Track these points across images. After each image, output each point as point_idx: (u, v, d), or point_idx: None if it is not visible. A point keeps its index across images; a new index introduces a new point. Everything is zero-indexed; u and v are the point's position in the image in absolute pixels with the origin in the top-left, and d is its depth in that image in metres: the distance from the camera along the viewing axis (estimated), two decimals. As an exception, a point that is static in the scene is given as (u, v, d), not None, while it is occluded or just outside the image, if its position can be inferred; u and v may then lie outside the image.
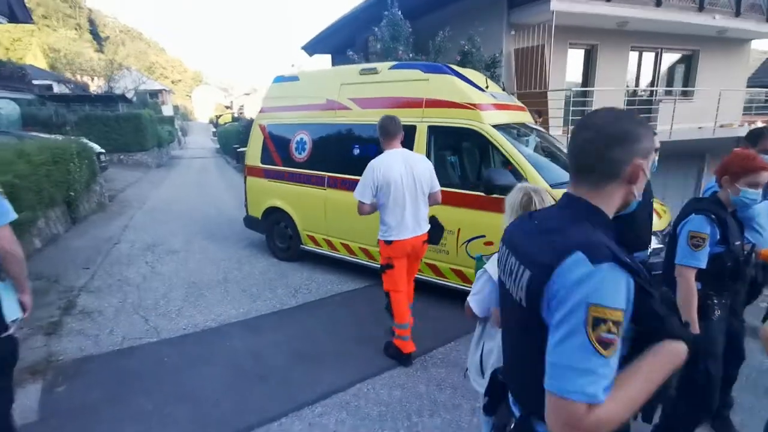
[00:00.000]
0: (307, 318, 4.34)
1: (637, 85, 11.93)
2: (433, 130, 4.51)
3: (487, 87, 4.69)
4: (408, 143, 4.54)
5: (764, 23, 10.97)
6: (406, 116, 4.57)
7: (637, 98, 11.67)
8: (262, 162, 6.01)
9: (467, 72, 4.91)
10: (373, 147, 4.37)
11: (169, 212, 9.49)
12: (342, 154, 5.08)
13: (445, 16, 9.71)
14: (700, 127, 11.46)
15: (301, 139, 5.55)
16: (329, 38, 15.91)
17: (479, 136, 4.24)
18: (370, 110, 4.87)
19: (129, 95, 23.02)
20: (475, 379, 2.01)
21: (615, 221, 1.10)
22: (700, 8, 10.05)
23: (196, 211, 9.63)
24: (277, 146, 5.86)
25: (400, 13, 7.89)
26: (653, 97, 11.94)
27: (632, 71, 11.81)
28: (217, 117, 51.56)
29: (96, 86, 24.46)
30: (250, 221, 6.42)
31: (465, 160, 4.74)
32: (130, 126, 16.93)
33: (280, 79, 6.00)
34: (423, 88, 4.58)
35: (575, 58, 10.86)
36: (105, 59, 25.05)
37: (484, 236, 4.14)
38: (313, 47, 17.74)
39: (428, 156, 4.48)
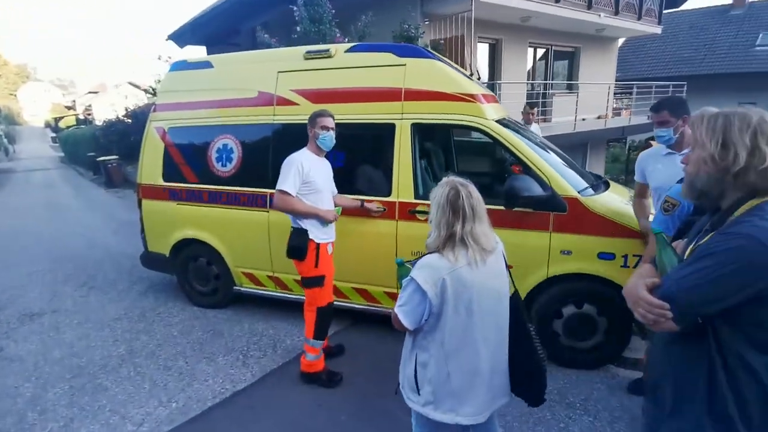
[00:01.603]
0: (281, 399, 3.07)
1: (533, 79, 12.41)
2: (418, 129, 3.55)
3: (471, 75, 3.89)
4: (386, 145, 3.58)
5: (636, 21, 12.20)
6: (379, 111, 3.62)
7: (535, 92, 12.15)
8: (166, 179, 4.40)
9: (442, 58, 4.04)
10: (335, 152, 3.30)
11: (10, 250, 6.93)
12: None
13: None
14: (584, 119, 12.38)
15: (225, 145, 4.13)
16: (204, 26, 13.76)
17: (483, 135, 3.41)
18: (326, 105, 3.71)
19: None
20: (409, 397, 1.83)
21: None
22: (589, 6, 10.68)
23: (56, 245, 7.20)
24: (188, 157, 4.32)
25: (320, -10, 6.71)
26: (547, 91, 12.60)
27: (529, 66, 12.24)
28: (57, 119, 43.86)
29: None
30: (151, 260, 4.73)
31: (463, 166, 3.89)
32: (-69, 134, 12.67)
33: (181, 66, 4.44)
34: (399, 76, 3.57)
35: (482, 51, 10.80)
36: None
37: (500, 259, 3.33)
38: (182, 37, 15.25)
39: (414, 161, 3.52)
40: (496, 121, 3.44)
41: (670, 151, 2.78)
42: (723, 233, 1.15)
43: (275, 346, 3.77)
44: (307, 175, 2.94)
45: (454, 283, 1.64)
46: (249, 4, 10.33)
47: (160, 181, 4.43)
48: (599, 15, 10.91)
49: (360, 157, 3.80)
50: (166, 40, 14.66)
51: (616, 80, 17.35)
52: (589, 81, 12.77)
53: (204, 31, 14.08)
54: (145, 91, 19.11)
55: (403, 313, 1.70)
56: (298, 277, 3.92)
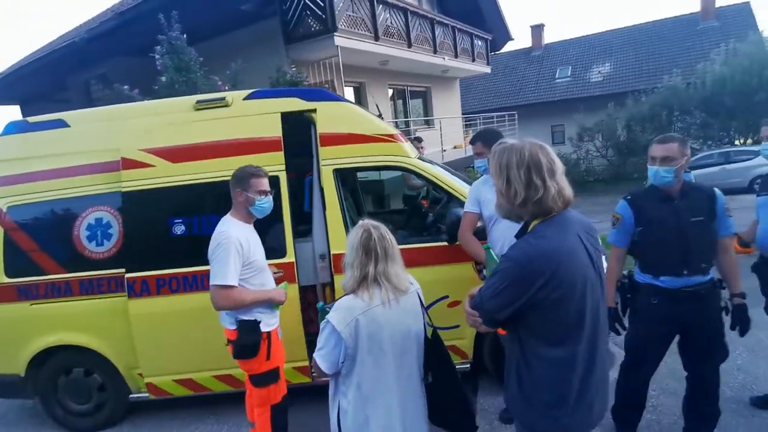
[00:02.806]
0: None
1: (396, 117, 13.20)
2: (341, 175, 3.33)
3: (380, 115, 3.83)
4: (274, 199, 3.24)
5: (471, 63, 13.97)
6: (275, 162, 3.28)
7: (400, 129, 12.90)
8: (10, 274, 3.34)
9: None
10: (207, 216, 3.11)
11: None
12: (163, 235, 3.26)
13: (221, 44, 8.24)
14: (444, 150, 13.59)
15: (99, 219, 3.32)
16: (18, 83, 11.64)
17: (410, 173, 3.35)
18: (214, 161, 3.23)
19: None
20: None
21: None
22: (435, 51, 11.89)
23: None
24: (43, 240, 3.35)
25: (185, 37, 6.04)
26: (409, 128, 13.52)
27: (390, 105, 13.01)
28: None
29: None
30: (-4, 385, 3.49)
31: (394, 207, 3.74)
32: None
33: (20, 128, 3.49)
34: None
35: (349, 94, 11.13)
36: None
37: (447, 297, 3.24)
38: (-13, 95, 12.66)
39: (342, 209, 3.28)
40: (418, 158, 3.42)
41: None
42: (504, 255, 1.47)
43: (205, 458, 3.03)
44: (248, 255, 2.41)
45: (369, 323, 1.67)
46: (81, 56, 8.99)
47: (1, 278, 3.34)
48: (444, 58, 12.22)
49: None
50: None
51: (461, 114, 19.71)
52: (444, 116, 14.09)
53: (18, 88, 11.89)
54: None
55: (320, 357, 1.70)
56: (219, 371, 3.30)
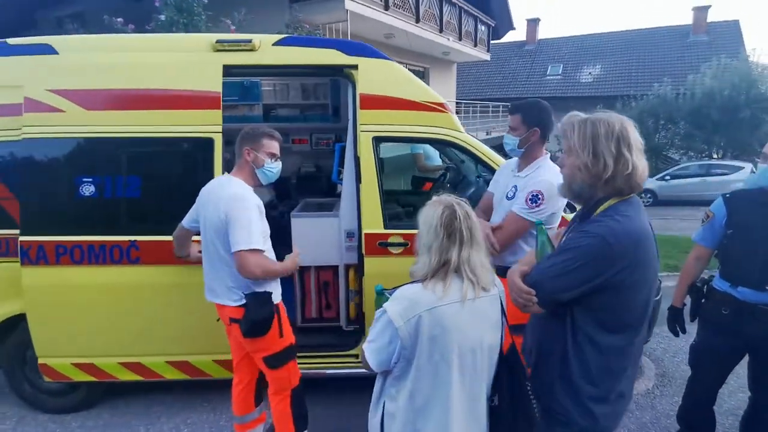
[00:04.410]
0: None
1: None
2: (380, 144, 2.93)
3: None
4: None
5: (473, 48, 13.59)
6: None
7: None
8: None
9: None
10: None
11: None
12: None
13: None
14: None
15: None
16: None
17: (458, 150, 2.98)
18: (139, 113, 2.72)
19: None
20: None
21: None
22: (441, 30, 11.44)
23: None
24: (18, 188, 2.80)
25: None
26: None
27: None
28: None
29: None
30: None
31: (442, 187, 3.38)
32: None
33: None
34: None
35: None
36: None
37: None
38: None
39: (380, 183, 2.90)
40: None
41: (516, 173, 2.36)
42: (580, 231, 1.35)
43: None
44: (262, 219, 2.18)
45: (432, 324, 1.37)
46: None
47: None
48: (448, 38, 11.80)
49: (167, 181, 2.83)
50: None
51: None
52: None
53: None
54: None
55: (370, 351, 1.45)
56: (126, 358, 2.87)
